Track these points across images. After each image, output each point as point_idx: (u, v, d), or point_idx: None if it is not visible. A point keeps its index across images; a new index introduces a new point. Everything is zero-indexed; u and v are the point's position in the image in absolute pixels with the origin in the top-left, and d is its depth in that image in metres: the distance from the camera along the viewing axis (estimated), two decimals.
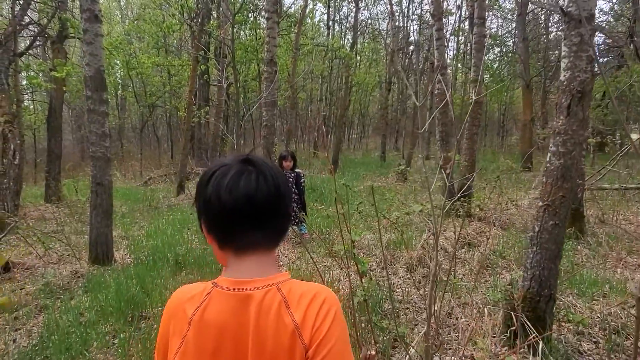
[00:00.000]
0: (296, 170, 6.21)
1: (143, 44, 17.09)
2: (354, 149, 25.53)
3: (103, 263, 5.27)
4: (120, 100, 24.14)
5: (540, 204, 2.93)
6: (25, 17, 13.72)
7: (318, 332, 0.83)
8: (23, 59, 10.49)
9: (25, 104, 19.35)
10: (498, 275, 4.55)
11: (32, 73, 10.43)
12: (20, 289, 4.67)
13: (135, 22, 14.97)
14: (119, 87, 17.68)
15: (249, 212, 0.88)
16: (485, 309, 3.43)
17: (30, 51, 10.89)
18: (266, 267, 0.91)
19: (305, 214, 6.17)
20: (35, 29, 13.43)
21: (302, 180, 6.18)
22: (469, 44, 15.51)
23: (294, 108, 12.45)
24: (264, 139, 7.88)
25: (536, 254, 2.92)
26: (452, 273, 4.45)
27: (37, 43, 15.02)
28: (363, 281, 2.68)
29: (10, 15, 10.01)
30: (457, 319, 3.50)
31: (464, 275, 4.58)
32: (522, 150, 12.58)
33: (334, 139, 15.80)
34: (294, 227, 6.22)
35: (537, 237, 2.91)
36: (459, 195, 3.49)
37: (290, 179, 6.07)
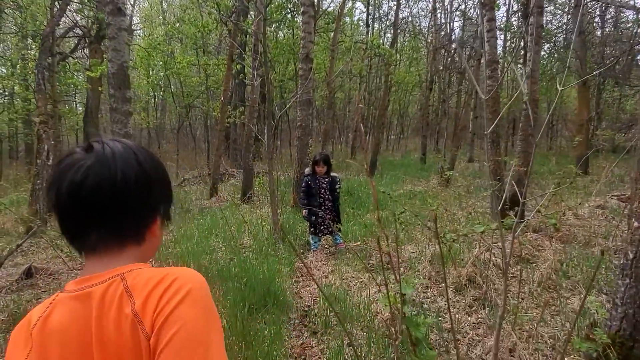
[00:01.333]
0: (331, 174, 5.72)
1: (182, 45, 17.13)
2: (392, 151, 24.81)
3: None
4: (161, 102, 24.47)
5: (636, 224, 2.31)
6: (64, 18, 13.95)
7: (160, 314, 0.71)
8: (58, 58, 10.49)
9: (70, 105, 19.85)
10: (563, 300, 3.90)
11: (69, 73, 10.41)
12: (37, 299, 4.41)
13: (177, 24, 14.98)
14: (157, 87, 17.75)
15: (75, 210, 0.78)
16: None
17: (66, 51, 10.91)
18: (112, 263, 0.81)
19: (340, 223, 5.68)
20: (79, 31, 13.61)
21: (337, 186, 5.69)
22: (517, 39, 14.52)
23: (331, 108, 11.97)
24: (297, 139, 7.45)
25: (630, 288, 2.30)
26: (513, 298, 3.84)
27: (77, 44, 15.31)
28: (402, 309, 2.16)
29: (49, 15, 10.04)
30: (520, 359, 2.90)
31: (522, 299, 3.95)
32: (577, 153, 11.59)
33: (373, 140, 15.22)
34: (328, 236, 5.75)
35: (632, 267, 2.30)
36: (522, 201, 2.88)
37: (323, 185, 5.61)
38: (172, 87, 17.68)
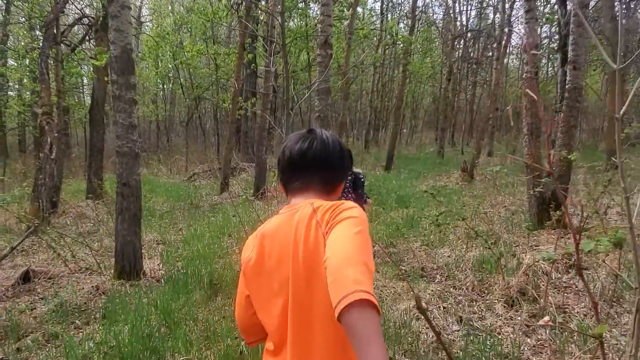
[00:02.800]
0: (354, 170, 5.12)
1: (192, 36, 16.65)
2: (406, 144, 24.15)
3: (129, 277, 4.50)
4: (170, 94, 24.02)
5: None
6: (72, 8, 13.49)
7: (331, 217, 1.09)
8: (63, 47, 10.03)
9: (79, 96, 19.45)
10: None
11: (73, 63, 9.94)
12: (31, 309, 3.96)
13: (187, 13, 14.51)
14: (166, 79, 17.29)
15: (300, 165, 1.25)
16: None
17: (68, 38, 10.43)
18: (310, 199, 1.21)
19: None
20: (88, 21, 13.13)
21: (361, 182, 5.10)
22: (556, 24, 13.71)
23: (347, 99, 11.43)
24: None
25: None
26: (573, 312, 3.31)
27: (85, 34, 14.84)
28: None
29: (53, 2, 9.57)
30: None
31: (585, 315, 3.40)
32: (609, 147, 10.93)
33: (390, 134, 14.63)
34: None
35: None
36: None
37: (346, 184, 5.05)
38: (182, 79, 17.22)
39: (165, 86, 20.72)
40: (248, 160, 13.58)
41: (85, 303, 4.03)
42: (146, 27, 21.43)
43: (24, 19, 13.54)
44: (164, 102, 17.91)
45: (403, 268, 4.47)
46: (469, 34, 20.73)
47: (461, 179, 10.19)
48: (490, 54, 23.57)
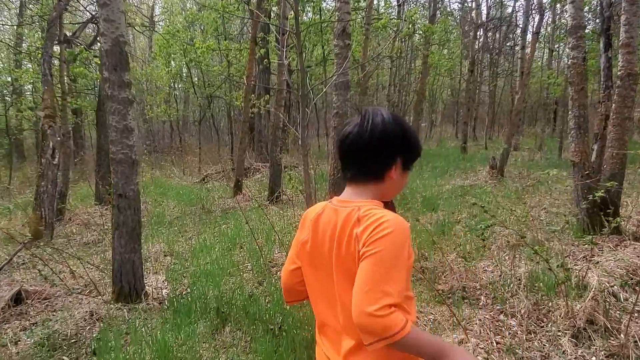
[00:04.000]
0: None
1: (203, 33, 16.19)
2: (426, 139, 23.35)
3: (129, 300, 3.99)
4: (183, 94, 23.63)
5: None
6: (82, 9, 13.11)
7: (368, 240, 1.08)
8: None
9: (92, 97, 19.17)
10: None
11: (77, 63, 9.52)
12: (14, 343, 3.46)
13: (198, 11, 14.03)
14: (178, 78, 16.84)
15: (342, 154, 1.25)
16: None
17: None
18: (361, 194, 1.23)
19: None
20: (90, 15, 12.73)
21: None
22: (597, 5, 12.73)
23: (365, 94, 10.80)
24: (334, 130, 6.32)
25: None
26: None
27: (95, 36, 14.47)
28: None
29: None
30: None
31: None
32: None
33: None
34: None
35: None
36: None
37: None
38: (194, 77, 16.76)
39: (177, 85, 20.32)
40: (262, 160, 13.05)
41: (76, 333, 3.53)
42: (159, 27, 21.07)
43: (34, 19, 13.22)
44: (176, 102, 17.46)
45: (440, 288, 3.85)
46: (491, 22, 19.84)
47: (490, 176, 9.49)
48: (511, 43, 22.66)
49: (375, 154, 1.19)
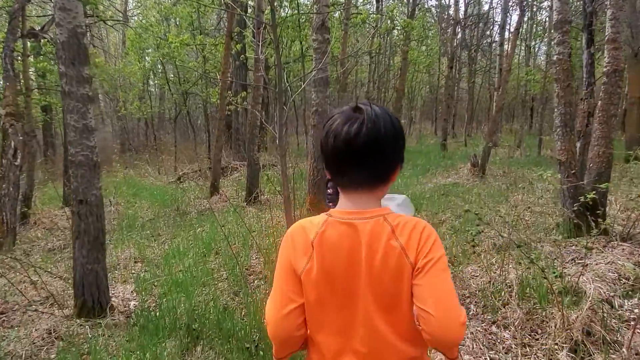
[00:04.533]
0: None
1: (177, 27, 15.70)
2: (405, 136, 23.25)
3: (92, 314, 3.66)
4: (158, 90, 23.00)
5: None
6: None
7: (422, 250, 1.01)
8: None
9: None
10: None
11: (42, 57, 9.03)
12: None
13: (173, 4, 13.56)
14: (151, 73, 16.31)
15: (348, 155, 1.04)
16: None
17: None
18: (368, 202, 1.09)
19: None
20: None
21: None
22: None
23: (344, 90, 10.55)
24: (313, 128, 6.08)
25: None
26: None
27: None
28: None
29: None
30: None
31: None
32: (629, 137, 10.14)
33: None
34: None
35: None
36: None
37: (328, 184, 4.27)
38: (170, 73, 16.25)
39: (152, 82, 19.75)
40: (240, 158, 12.71)
41: (32, 355, 3.20)
42: (133, 21, 20.42)
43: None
44: (149, 99, 16.92)
45: None
46: (469, 19, 19.86)
47: (472, 174, 9.38)
48: (489, 40, 22.78)
49: (389, 154, 1.08)
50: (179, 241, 5.88)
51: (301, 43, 13.85)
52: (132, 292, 4.32)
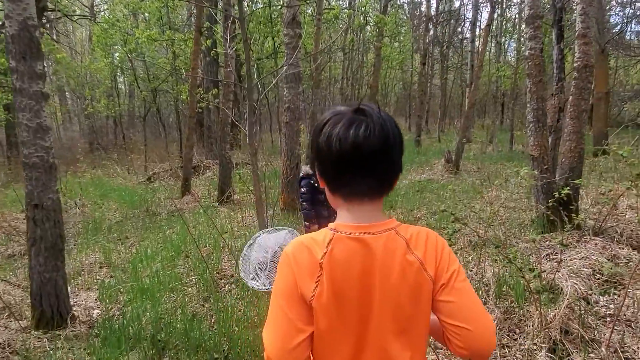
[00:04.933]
0: (308, 170, 4.28)
1: (147, 22, 15.26)
2: None
3: (51, 325, 3.44)
4: (128, 88, 22.35)
5: None
6: None
7: (441, 264, 0.97)
8: None
9: None
10: None
11: None
12: None
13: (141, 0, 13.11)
14: (119, 70, 15.80)
15: (356, 161, 0.93)
16: None
17: None
18: (374, 214, 0.99)
19: None
20: None
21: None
22: None
23: (318, 87, 10.42)
24: (286, 125, 5.93)
25: None
26: None
27: None
28: None
29: None
30: None
31: None
32: (596, 131, 10.36)
33: None
34: None
35: None
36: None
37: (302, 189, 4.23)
38: (139, 70, 15.77)
39: (120, 78, 19.18)
40: (213, 157, 12.44)
41: None
42: (100, 17, 19.75)
43: None
44: (117, 96, 16.39)
45: None
46: (440, 16, 20.00)
47: (446, 170, 9.40)
48: (460, 37, 23.01)
49: (396, 160, 1.00)
50: (147, 244, 5.65)
51: (273, 39, 13.66)
52: (95, 299, 4.10)
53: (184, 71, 12.30)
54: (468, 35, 18.22)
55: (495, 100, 18.81)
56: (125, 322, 3.24)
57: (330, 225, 1.01)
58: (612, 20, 15.93)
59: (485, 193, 7.01)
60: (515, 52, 16.31)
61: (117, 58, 15.21)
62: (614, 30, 14.35)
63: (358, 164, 0.94)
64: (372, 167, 0.95)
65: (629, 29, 15.44)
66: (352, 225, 0.97)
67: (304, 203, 4.19)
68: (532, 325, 2.86)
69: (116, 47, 15.00)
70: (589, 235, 4.75)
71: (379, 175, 0.97)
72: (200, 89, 9.67)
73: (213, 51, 10.18)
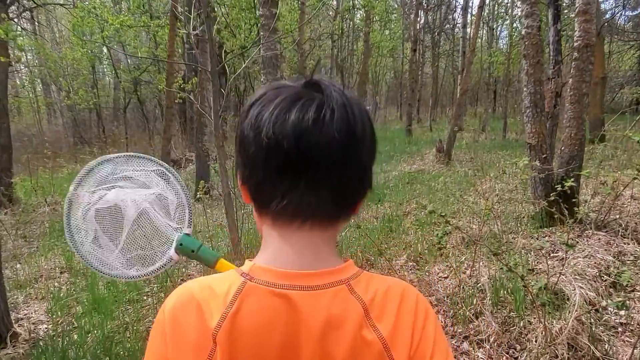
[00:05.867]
0: None
1: (130, 10, 14.68)
2: None
3: None
4: (113, 79, 21.70)
5: None
6: None
7: (421, 347, 0.57)
8: None
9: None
10: None
11: None
12: None
13: None
14: (96, 60, 15.21)
15: (299, 161, 0.55)
16: None
17: None
18: (324, 251, 0.60)
19: None
20: None
21: None
22: None
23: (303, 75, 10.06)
24: None
25: None
26: None
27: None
28: None
29: None
30: None
31: None
32: (592, 117, 10.00)
33: None
34: None
35: None
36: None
37: None
38: (117, 59, 15.19)
39: (103, 69, 18.56)
40: (195, 150, 11.97)
41: None
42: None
43: None
44: (96, 87, 15.81)
45: None
46: (431, 2, 19.55)
47: (437, 160, 9.01)
48: (451, 24, 22.60)
49: (365, 163, 0.62)
50: None
51: (257, 27, 13.17)
52: (47, 311, 3.66)
53: (164, 59, 11.77)
54: (460, 20, 17.81)
55: (487, 88, 18.43)
56: (66, 342, 2.81)
57: (245, 265, 0.61)
58: (602, 7, 15.61)
59: (478, 185, 6.63)
60: (508, 37, 15.90)
61: (94, 47, 14.62)
62: (606, 16, 14.01)
63: (301, 164, 0.56)
64: (326, 172, 0.57)
65: (621, 14, 15.09)
66: (278, 271, 0.58)
67: None
68: (536, 341, 2.47)
69: (95, 36, 14.45)
70: (591, 229, 4.38)
71: (336, 186, 0.58)
72: (178, 77, 9.17)
73: (190, 38, 9.66)
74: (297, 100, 0.56)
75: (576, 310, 2.46)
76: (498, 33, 21.93)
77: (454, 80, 21.69)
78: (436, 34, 20.66)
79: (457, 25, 19.86)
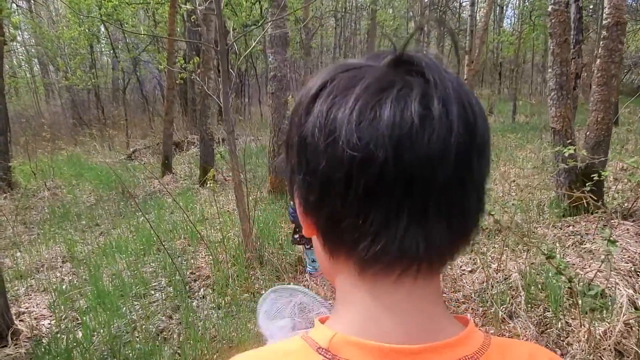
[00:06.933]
0: None
1: None
2: None
3: None
4: (112, 60, 21.24)
5: None
6: None
7: None
8: None
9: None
10: None
11: None
12: None
13: None
14: (94, 39, 14.81)
15: (400, 181, 0.35)
16: None
17: None
18: (434, 311, 0.40)
19: None
20: None
21: None
22: None
23: (309, 55, 9.59)
24: (272, 97, 5.24)
25: None
26: None
27: None
28: None
29: None
30: None
31: None
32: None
33: None
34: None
35: None
36: None
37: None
38: (110, 36, 14.75)
39: (101, 49, 18.15)
40: (197, 132, 11.70)
41: None
42: None
43: None
44: (94, 68, 15.43)
45: None
46: None
47: None
48: (457, 3, 22.01)
49: (484, 179, 0.40)
50: (120, 232, 5.02)
51: (260, 5, 12.81)
52: (47, 310, 3.48)
53: (164, 40, 11.41)
54: None
55: (495, 69, 18.03)
56: (70, 341, 2.63)
57: (319, 333, 0.40)
58: None
59: (495, 170, 6.41)
60: (519, 15, 15.44)
61: (91, 25, 14.22)
62: None
63: (404, 185, 0.36)
64: (439, 194, 0.36)
65: None
66: (373, 346, 0.37)
67: (296, 228, 3.10)
68: (579, 345, 2.29)
69: (93, 14, 14.04)
70: (617, 218, 4.18)
71: (453, 214, 0.38)
72: (179, 56, 8.86)
73: (193, 16, 9.30)
74: (389, 89, 0.36)
75: (624, 314, 2.27)
76: (504, 15, 21.44)
77: (459, 60, 21.26)
78: (441, 12, 20.13)
79: (465, 2, 19.35)
